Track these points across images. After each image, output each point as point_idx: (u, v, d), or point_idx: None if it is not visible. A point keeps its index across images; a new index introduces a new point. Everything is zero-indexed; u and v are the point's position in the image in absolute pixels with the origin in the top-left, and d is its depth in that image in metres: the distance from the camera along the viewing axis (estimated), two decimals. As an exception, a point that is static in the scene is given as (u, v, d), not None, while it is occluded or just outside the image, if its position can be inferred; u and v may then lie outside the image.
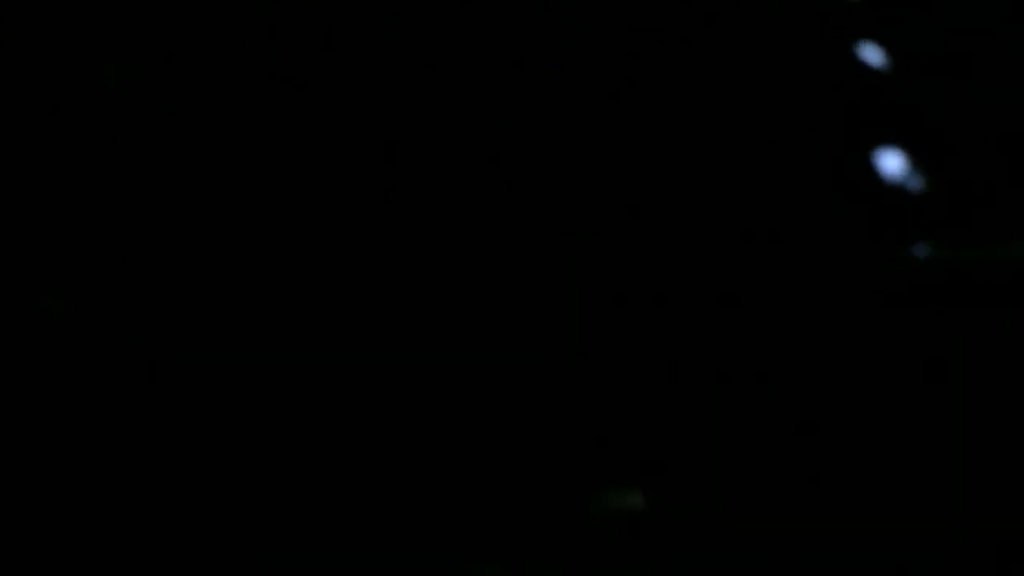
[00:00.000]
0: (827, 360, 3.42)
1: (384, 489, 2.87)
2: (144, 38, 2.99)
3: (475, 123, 3.21)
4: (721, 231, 3.54)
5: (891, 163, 3.92)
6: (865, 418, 3.31)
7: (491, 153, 3.20)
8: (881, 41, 3.81)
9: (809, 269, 3.68)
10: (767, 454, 3.16)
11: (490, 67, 3.22)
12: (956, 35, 3.81)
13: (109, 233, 3.00)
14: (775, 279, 3.52)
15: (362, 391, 2.97)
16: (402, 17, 3.13)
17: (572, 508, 2.86)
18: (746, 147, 3.71)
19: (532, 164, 3.26)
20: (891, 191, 3.88)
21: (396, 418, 2.97)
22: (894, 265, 3.76)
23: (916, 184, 3.90)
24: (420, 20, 3.13)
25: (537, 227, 3.20)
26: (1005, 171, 3.79)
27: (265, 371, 2.97)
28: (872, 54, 3.86)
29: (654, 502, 2.84)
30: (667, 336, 3.19)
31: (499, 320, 3.08)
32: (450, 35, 3.16)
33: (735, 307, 3.35)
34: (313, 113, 3.10)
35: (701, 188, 3.54)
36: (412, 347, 3.00)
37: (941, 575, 2.86)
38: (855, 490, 3.15)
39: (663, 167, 3.50)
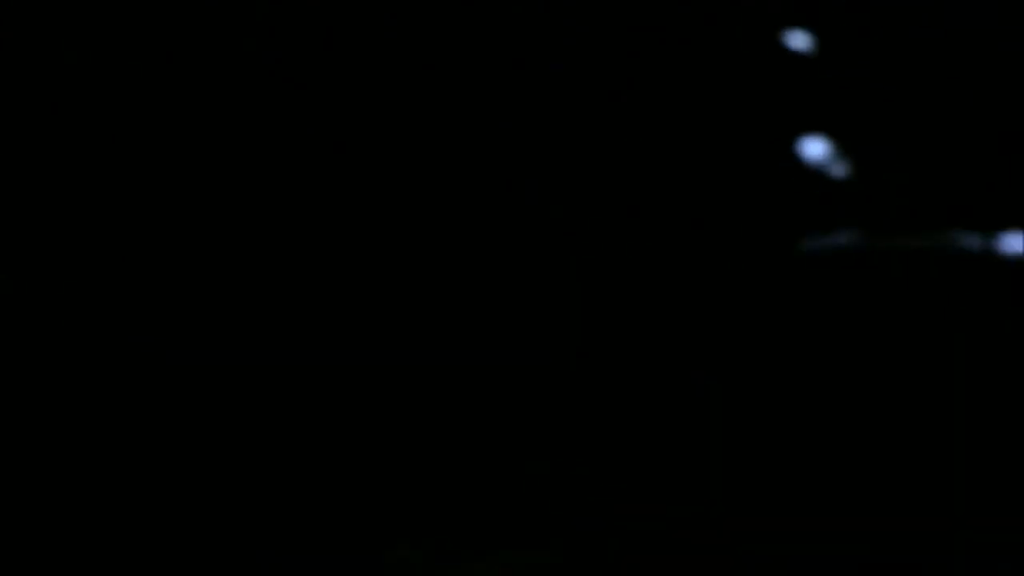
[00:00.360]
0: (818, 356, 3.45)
1: (381, 487, 2.89)
2: (144, 38, 2.98)
3: (475, 122, 3.19)
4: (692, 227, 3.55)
5: (814, 149, 3.90)
6: (862, 414, 3.36)
7: (491, 153, 3.19)
8: (806, 25, 3.80)
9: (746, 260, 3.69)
10: (767, 453, 3.19)
11: (490, 68, 3.19)
12: (887, 19, 3.81)
13: (93, 228, 2.95)
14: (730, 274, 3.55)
15: (359, 391, 2.96)
16: (402, 17, 3.11)
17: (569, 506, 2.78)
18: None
19: (532, 164, 3.26)
20: (812, 177, 3.86)
21: (394, 417, 2.96)
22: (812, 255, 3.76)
23: (839, 171, 3.88)
24: (420, 20, 3.10)
25: (537, 227, 3.22)
26: (933, 161, 3.79)
27: (258, 370, 2.96)
28: (798, 39, 3.83)
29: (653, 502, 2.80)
30: (666, 336, 3.20)
31: (498, 320, 3.11)
32: (450, 36, 3.11)
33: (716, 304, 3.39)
34: (312, 113, 3.07)
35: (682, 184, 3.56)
36: (410, 347, 2.98)
37: (942, 574, 2.82)
38: (855, 488, 3.14)
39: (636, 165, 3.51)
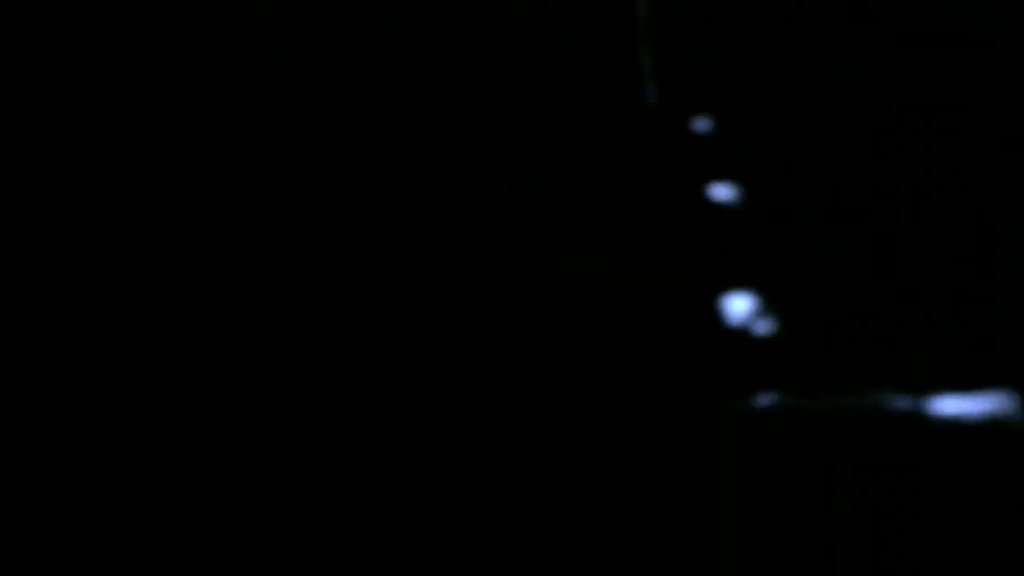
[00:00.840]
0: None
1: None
2: (144, 37, 3.00)
3: (476, 126, 3.16)
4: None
5: (738, 305, 3.74)
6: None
7: (490, 156, 3.17)
8: (731, 178, 3.67)
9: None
10: None
11: (490, 68, 3.18)
12: (811, 178, 3.66)
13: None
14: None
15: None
16: (402, 17, 3.09)
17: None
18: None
19: (533, 167, 3.25)
20: (736, 335, 3.70)
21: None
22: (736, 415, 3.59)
23: (764, 327, 3.72)
24: (420, 20, 3.09)
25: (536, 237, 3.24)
26: (862, 318, 3.62)
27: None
28: (722, 191, 3.69)
29: None
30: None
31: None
32: (450, 37, 3.10)
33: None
34: (312, 113, 3.06)
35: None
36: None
37: None
38: None
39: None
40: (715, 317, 3.60)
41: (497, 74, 3.17)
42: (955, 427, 3.48)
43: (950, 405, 3.51)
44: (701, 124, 3.65)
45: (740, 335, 3.59)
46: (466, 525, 3.15)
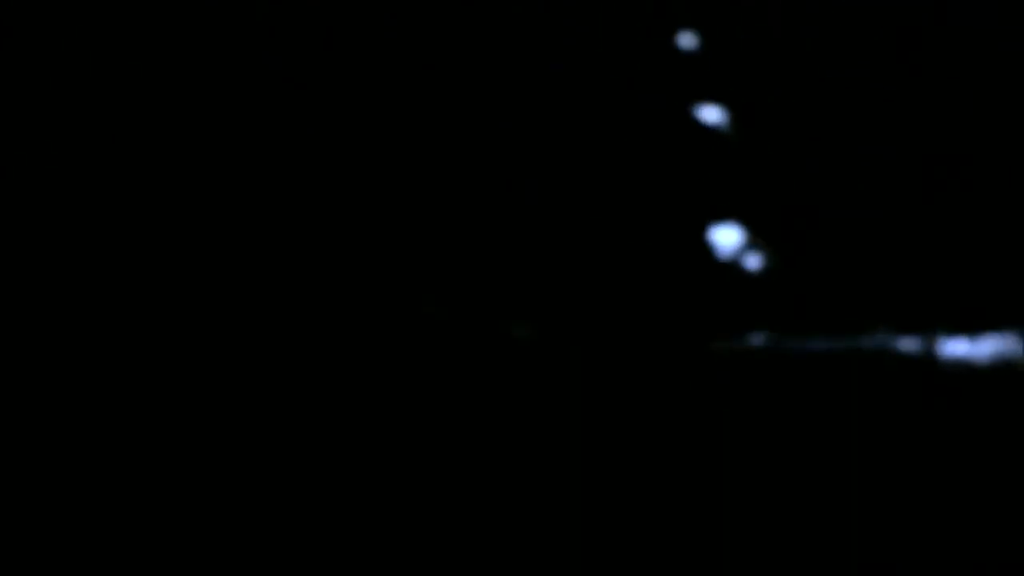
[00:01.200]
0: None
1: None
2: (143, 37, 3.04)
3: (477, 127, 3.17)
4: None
5: (727, 238, 3.45)
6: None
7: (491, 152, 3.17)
8: (723, 100, 3.42)
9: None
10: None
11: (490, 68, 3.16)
12: (810, 94, 3.41)
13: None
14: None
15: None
16: (402, 17, 3.09)
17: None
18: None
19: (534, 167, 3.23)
20: (724, 270, 3.41)
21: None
22: (727, 356, 3.33)
23: (753, 263, 3.43)
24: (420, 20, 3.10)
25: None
26: (863, 251, 3.36)
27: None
28: (711, 113, 3.41)
29: None
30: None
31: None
32: (451, 37, 3.11)
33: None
34: (312, 113, 3.07)
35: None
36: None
37: None
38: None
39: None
40: (703, 251, 3.32)
41: (497, 74, 3.12)
42: (962, 369, 3.21)
43: (957, 347, 3.25)
44: (687, 42, 3.38)
45: (729, 270, 3.32)
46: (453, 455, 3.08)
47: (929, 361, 3.23)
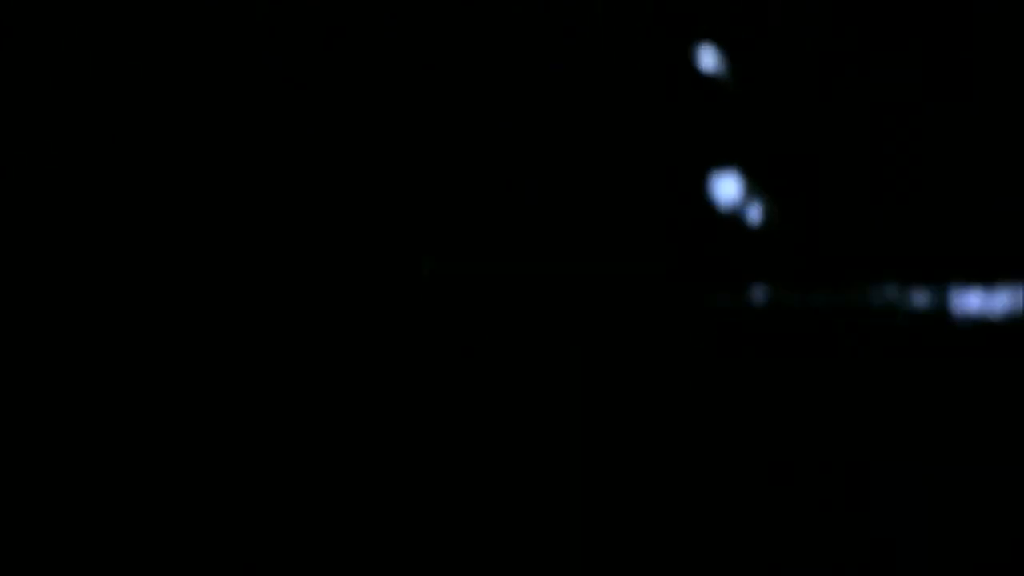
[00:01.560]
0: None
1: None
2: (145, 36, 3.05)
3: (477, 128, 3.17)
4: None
5: (727, 188, 3.26)
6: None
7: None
8: (721, 44, 3.24)
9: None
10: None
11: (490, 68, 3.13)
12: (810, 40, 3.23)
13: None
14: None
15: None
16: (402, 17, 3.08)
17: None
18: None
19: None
20: (725, 221, 3.23)
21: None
22: (725, 310, 3.17)
23: (755, 214, 3.24)
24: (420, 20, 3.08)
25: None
26: (871, 199, 3.18)
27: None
28: (709, 58, 3.22)
29: None
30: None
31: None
32: (450, 37, 3.10)
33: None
34: (312, 113, 3.08)
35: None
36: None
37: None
38: None
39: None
40: (701, 200, 3.15)
41: (497, 74, 3.10)
42: (976, 323, 3.04)
43: (970, 300, 3.07)
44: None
45: (728, 221, 3.14)
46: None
47: (941, 315, 3.06)
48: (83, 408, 2.99)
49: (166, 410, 3.03)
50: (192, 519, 2.98)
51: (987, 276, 3.09)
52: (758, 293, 3.11)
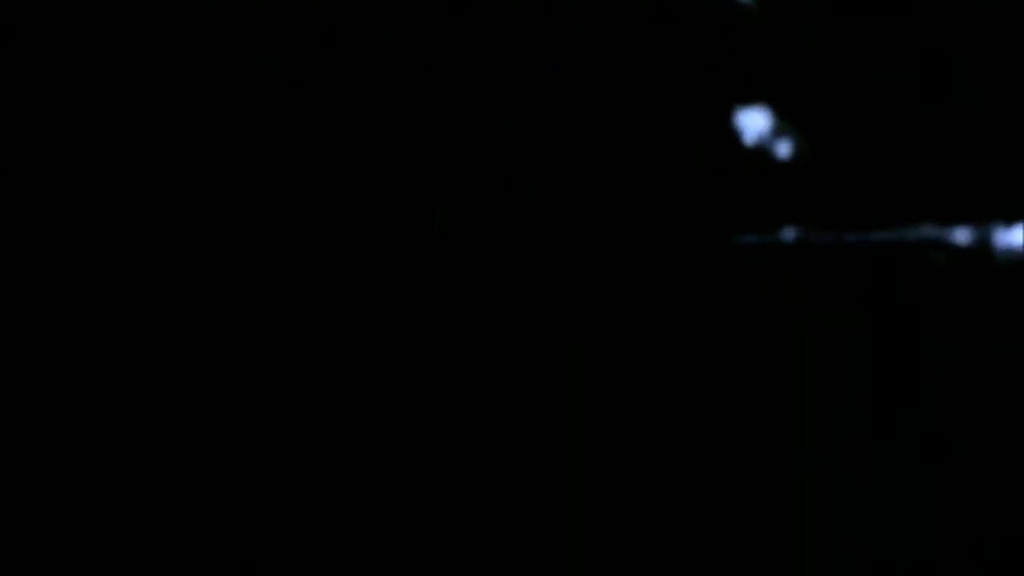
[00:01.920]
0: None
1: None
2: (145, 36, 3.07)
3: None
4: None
5: (755, 122, 3.12)
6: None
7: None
8: None
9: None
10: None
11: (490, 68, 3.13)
12: None
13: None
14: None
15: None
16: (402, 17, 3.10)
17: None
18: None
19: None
20: (753, 157, 3.09)
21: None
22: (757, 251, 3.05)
23: (784, 149, 3.10)
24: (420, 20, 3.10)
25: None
26: (907, 134, 3.06)
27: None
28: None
29: None
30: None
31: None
32: (451, 37, 3.11)
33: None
34: (312, 113, 3.11)
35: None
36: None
37: None
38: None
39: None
40: (728, 136, 3.03)
41: (497, 74, 3.08)
42: (1016, 261, 2.92)
43: (1014, 237, 2.95)
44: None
45: (756, 157, 3.02)
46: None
47: (982, 253, 2.94)
48: (88, 404, 2.99)
49: (181, 396, 3.03)
50: (203, 507, 2.98)
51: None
52: (789, 232, 2.99)
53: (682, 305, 3.00)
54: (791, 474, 2.90)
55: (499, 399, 3.02)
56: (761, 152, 3.02)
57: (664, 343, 3.00)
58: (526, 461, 3.00)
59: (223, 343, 3.03)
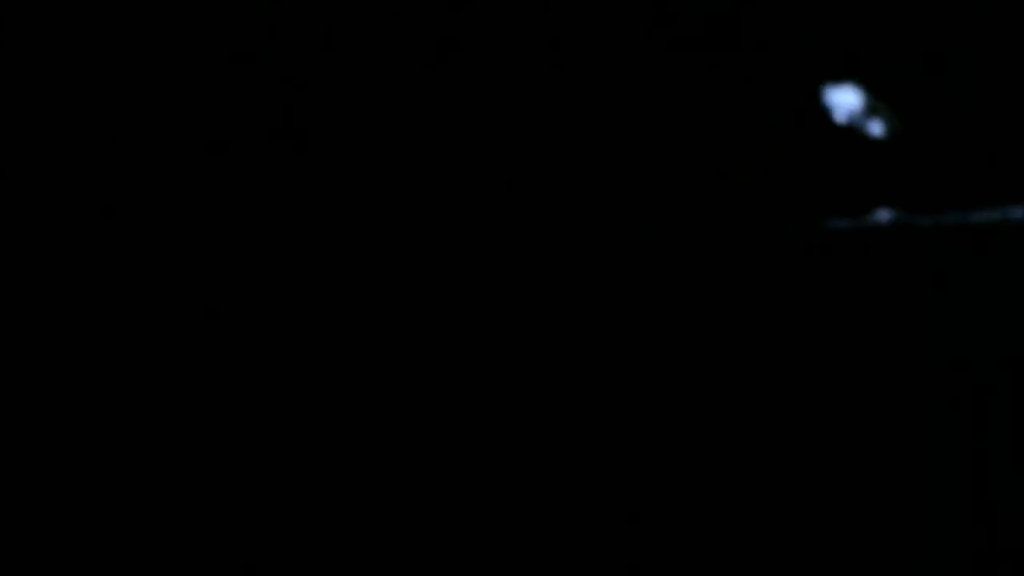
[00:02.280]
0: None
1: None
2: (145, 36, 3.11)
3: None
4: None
5: (846, 99, 3.04)
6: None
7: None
8: None
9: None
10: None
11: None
12: None
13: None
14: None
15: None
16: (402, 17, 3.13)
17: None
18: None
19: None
20: (844, 135, 3.01)
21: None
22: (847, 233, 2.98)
23: (876, 128, 3.01)
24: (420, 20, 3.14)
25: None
26: (999, 114, 2.97)
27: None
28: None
29: None
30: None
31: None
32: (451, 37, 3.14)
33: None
34: (312, 113, 3.15)
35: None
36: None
37: None
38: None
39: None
40: (818, 114, 2.95)
41: (497, 74, 3.09)
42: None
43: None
44: None
45: (847, 136, 2.94)
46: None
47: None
48: (88, 402, 3.01)
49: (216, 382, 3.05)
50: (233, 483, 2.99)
51: None
52: (881, 214, 2.91)
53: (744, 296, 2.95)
54: (893, 469, 2.84)
55: (499, 399, 3.01)
56: (852, 131, 2.95)
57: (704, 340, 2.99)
58: (526, 461, 2.99)
59: (223, 342, 3.03)
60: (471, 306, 3.03)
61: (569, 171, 3.08)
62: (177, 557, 2.93)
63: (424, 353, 3.02)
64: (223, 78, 3.05)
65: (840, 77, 2.96)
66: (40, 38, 3.01)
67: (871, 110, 2.94)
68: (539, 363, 3.01)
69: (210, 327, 3.02)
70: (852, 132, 2.94)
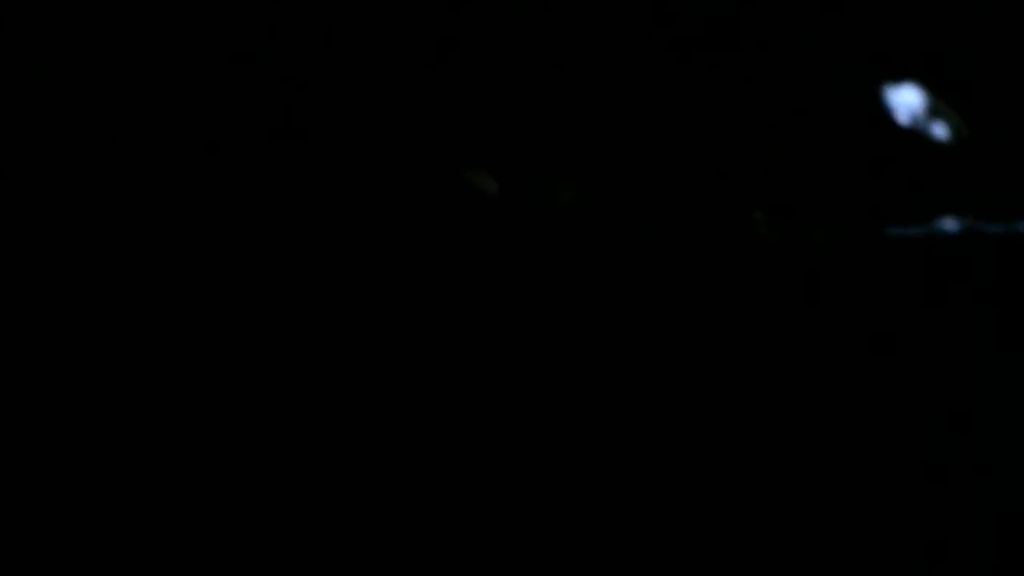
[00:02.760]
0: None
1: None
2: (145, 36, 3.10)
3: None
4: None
5: (908, 100, 2.93)
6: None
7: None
8: None
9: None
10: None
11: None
12: None
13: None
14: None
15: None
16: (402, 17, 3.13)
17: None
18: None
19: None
20: (905, 139, 2.91)
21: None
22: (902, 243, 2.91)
23: (940, 131, 2.91)
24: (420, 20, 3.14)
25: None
26: None
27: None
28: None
29: None
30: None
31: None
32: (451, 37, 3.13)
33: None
34: (312, 113, 3.16)
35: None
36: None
37: None
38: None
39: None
40: (878, 113, 2.85)
41: (497, 74, 3.08)
42: None
43: None
44: None
45: (910, 138, 2.85)
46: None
47: None
48: (88, 401, 3.03)
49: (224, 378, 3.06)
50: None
51: None
52: (948, 222, 2.82)
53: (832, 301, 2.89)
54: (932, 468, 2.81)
55: (499, 399, 3.01)
56: (916, 134, 2.85)
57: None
58: (526, 460, 2.98)
59: (223, 342, 3.05)
60: (471, 306, 3.04)
61: (569, 171, 3.07)
62: (177, 557, 2.97)
63: (424, 353, 3.04)
64: (223, 78, 3.07)
65: (901, 77, 2.85)
66: (40, 38, 3.03)
67: (934, 112, 2.84)
68: (539, 363, 3.02)
69: (210, 327, 3.05)
70: (914, 134, 2.84)
